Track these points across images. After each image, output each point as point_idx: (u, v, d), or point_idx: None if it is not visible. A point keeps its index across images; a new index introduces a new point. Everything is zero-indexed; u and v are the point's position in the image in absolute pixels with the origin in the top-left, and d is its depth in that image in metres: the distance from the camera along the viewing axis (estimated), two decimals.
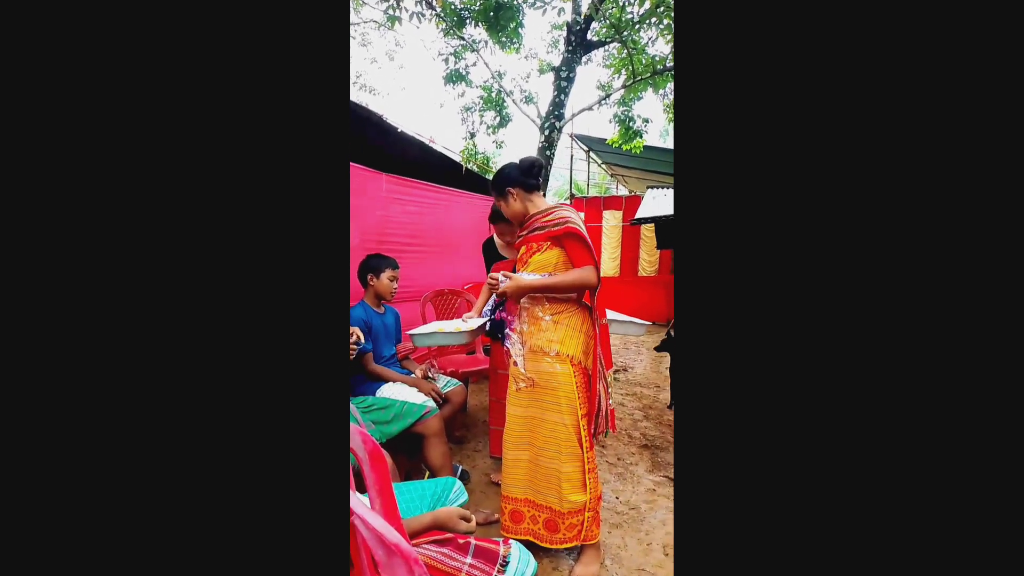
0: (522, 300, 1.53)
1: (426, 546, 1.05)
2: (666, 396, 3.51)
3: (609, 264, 7.08)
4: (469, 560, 1.03)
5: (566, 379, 1.48)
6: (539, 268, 1.50)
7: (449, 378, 2.23)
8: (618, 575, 1.57)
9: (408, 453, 1.91)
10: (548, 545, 1.52)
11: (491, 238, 2.20)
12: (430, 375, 2.11)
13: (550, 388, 1.50)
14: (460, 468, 2.17)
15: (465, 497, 1.29)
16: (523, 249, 1.58)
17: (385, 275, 2.02)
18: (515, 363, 1.55)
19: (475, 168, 5.31)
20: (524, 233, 1.58)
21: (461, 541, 1.07)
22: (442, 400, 2.00)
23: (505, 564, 1.21)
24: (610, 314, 2.01)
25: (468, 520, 1.09)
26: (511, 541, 1.10)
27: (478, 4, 4.91)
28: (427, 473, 1.87)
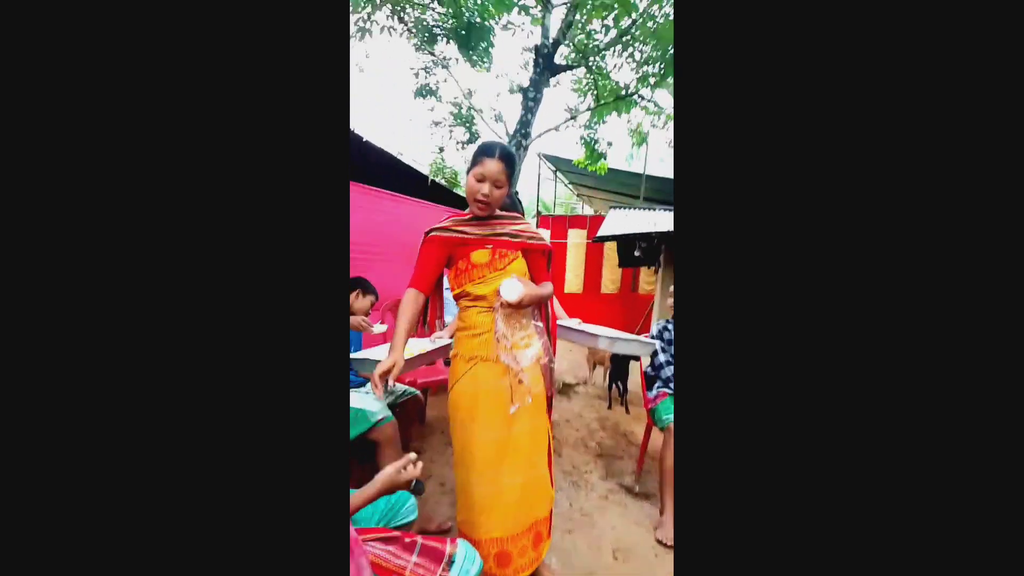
0: (506, 311, 1.39)
1: (372, 544, 1.04)
2: (621, 408, 3.59)
3: (573, 281, 7.21)
4: (414, 559, 1.03)
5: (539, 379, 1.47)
6: (521, 275, 1.42)
7: (407, 387, 2.23)
8: None
9: (359, 459, 1.89)
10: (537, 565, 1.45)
11: None
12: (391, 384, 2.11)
13: (539, 395, 1.46)
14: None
15: (415, 516, 1.29)
16: (483, 252, 1.40)
17: (367, 300, 2.09)
18: (521, 380, 1.39)
19: (443, 182, 5.35)
20: (485, 234, 1.42)
21: (407, 540, 1.07)
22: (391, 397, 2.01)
23: (451, 563, 1.21)
24: (611, 332, 1.95)
25: (407, 468, 1.05)
26: (458, 540, 1.11)
27: (450, 22, 5.02)
28: None
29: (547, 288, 1.44)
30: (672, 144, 6.41)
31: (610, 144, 5.95)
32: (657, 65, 5.05)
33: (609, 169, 6.27)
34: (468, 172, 1.37)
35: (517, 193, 1.98)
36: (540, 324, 1.49)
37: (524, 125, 5.03)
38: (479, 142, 1.47)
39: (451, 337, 2.09)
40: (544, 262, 1.50)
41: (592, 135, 5.87)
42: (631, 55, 5.18)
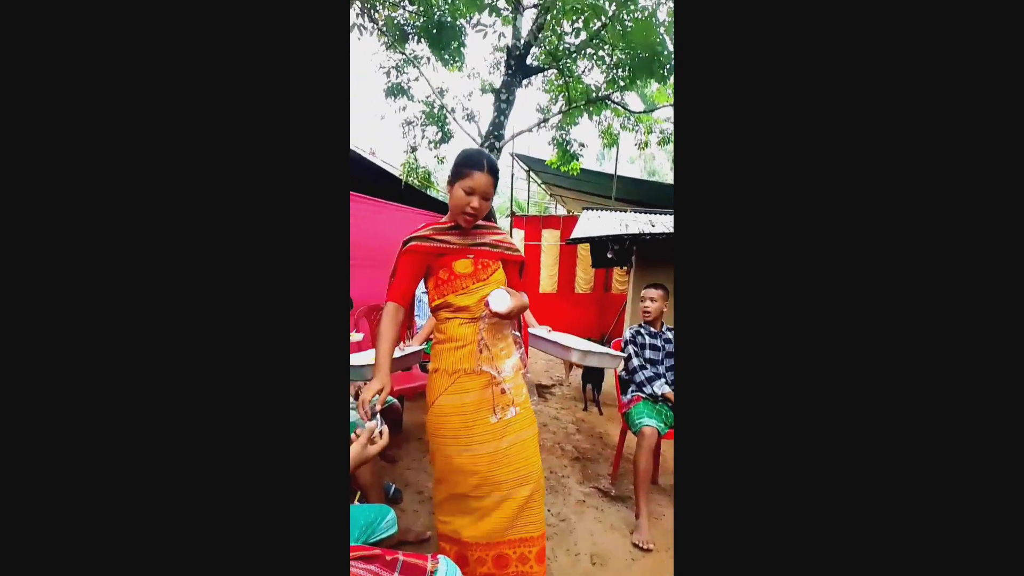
0: (491, 321, 1.37)
1: (353, 563, 1.03)
2: (594, 409, 3.64)
3: (547, 281, 7.26)
4: None
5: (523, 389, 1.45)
6: (501, 285, 1.41)
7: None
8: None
9: None
10: None
11: None
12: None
13: (525, 405, 1.43)
14: (392, 487, 2.14)
15: (395, 530, 1.28)
16: (466, 262, 1.38)
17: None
18: (503, 390, 1.38)
19: (416, 183, 5.29)
20: (467, 243, 1.40)
21: (388, 558, 1.06)
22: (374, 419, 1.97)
23: None
24: (582, 343, 1.91)
25: (374, 441, 1.04)
26: (439, 556, 1.11)
27: (421, 21, 4.96)
28: (358, 493, 1.83)
29: (526, 298, 1.44)
30: (641, 146, 6.52)
31: (583, 145, 6.00)
32: (626, 68, 5.12)
33: (582, 170, 6.33)
34: (452, 183, 1.33)
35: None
36: (517, 333, 1.49)
37: (497, 127, 5.02)
38: (463, 150, 1.40)
39: (421, 344, 2.06)
40: (517, 272, 1.51)
41: (564, 136, 5.91)
42: (601, 58, 5.24)
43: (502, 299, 1.29)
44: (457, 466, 1.36)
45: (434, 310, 1.42)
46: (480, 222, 1.42)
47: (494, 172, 1.33)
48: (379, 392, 1.22)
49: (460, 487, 1.36)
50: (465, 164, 1.31)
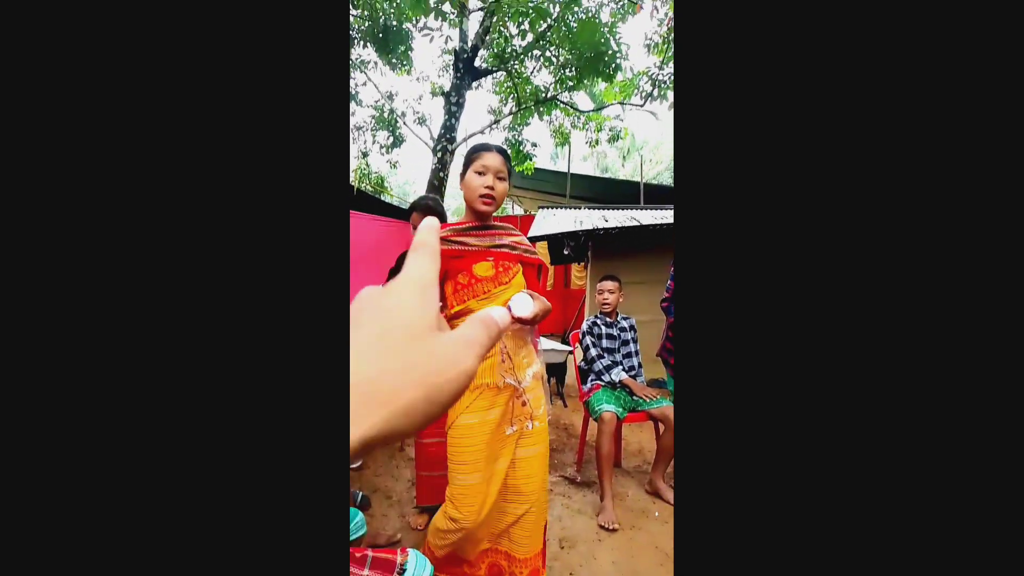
0: (513, 328, 1.28)
1: None
2: (559, 402, 3.73)
3: None
4: (366, 572, 1.05)
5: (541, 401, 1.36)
6: (521, 288, 1.31)
7: None
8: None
9: None
10: None
11: (403, 255, 2.04)
12: None
13: (542, 419, 1.35)
14: (360, 494, 2.13)
15: (364, 531, 1.30)
16: (486, 265, 1.28)
17: None
18: (524, 402, 1.29)
19: (368, 189, 5.23)
20: (487, 245, 1.29)
21: (358, 555, 1.08)
22: None
23: (403, 572, 1.23)
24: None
25: None
26: (408, 550, 1.13)
27: (366, 25, 4.91)
28: None
29: (548, 302, 1.34)
30: (592, 144, 6.69)
31: (535, 145, 6.11)
32: (573, 68, 5.25)
33: (536, 169, 6.43)
34: (463, 175, 1.28)
35: (438, 200, 1.96)
36: (538, 340, 1.42)
37: (449, 129, 5.04)
38: (473, 145, 1.34)
39: None
40: (536, 274, 1.39)
41: (517, 137, 5.99)
42: (548, 59, 5.35)
43: (525, 303, 1.20)
44: (477, 488, 1.24)
45: (451, 318, 1.30)
46: (496, 223, 1.35)
47: (504, 153, 1.27)
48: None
49: (477, 509, 1.24)
50: (472, 151, 1.27)
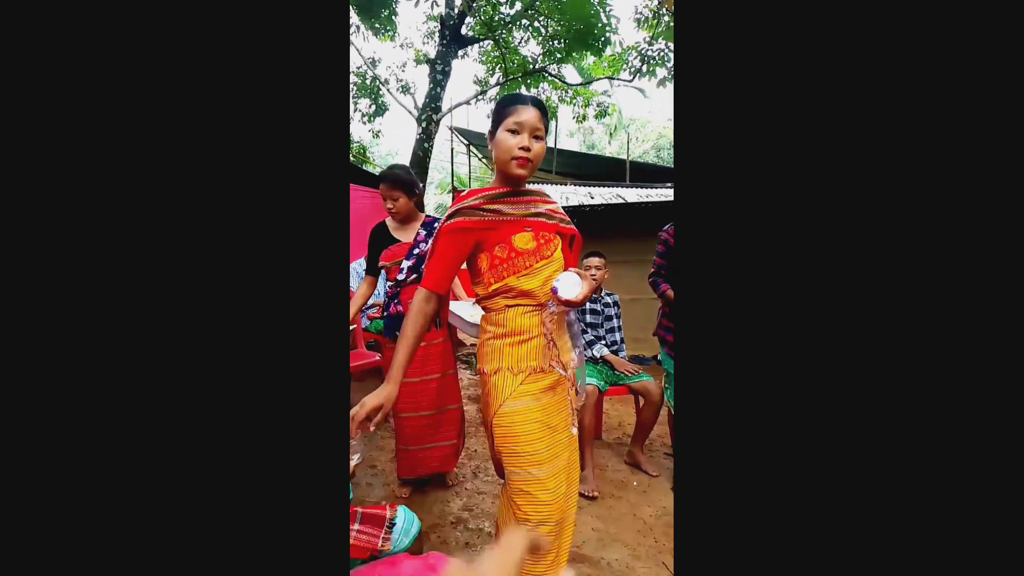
0: (560, 310, 1.11)
1: None
2: None
3: None
4: (357, 527, 1.06)
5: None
6: (561, 265, 1.16)
7: None
8: None
9: None
10: None
11: (382, 224, 1.90)
12: None
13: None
14: None
15: (350, 496, 1.31)
16: (526, 236, 1.10)
17: None
18: (578, 392, 1.18)
19: (350, 158, 5.09)
20: (523, 213, 1.12)
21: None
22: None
23: (392, 525, 1.25)
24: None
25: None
26: (397, 505, 1.15)
27: None
28: None
29: (592, 280, 1.16)
30: (579, 119, 6.62)
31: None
32: (562, 40, 5.14)
33: None
34: (494, 132, 1.09)
35: (408, 170, 1.80)
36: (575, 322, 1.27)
37: (434, 99, 4.91)
38: (503, 96, 1.18)
39: (357, 311, 1.87)
40: (567, 246, 1.22)
41: None
42: (537, 30, 5.22)
43: (573, 284, 1.05)
44: (539, 495, 1.07)
45: (486, 297, 1.14)
46: (529, 187, 1.17)
47: (541, 107, 1.07)
48: (380, 407, 1.02)
49: (541, 517, 1.07)
50: (505, 104, 1.08)
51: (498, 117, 1.08)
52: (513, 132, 1.04)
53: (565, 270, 1.12)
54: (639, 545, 1.66)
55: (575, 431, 1.14)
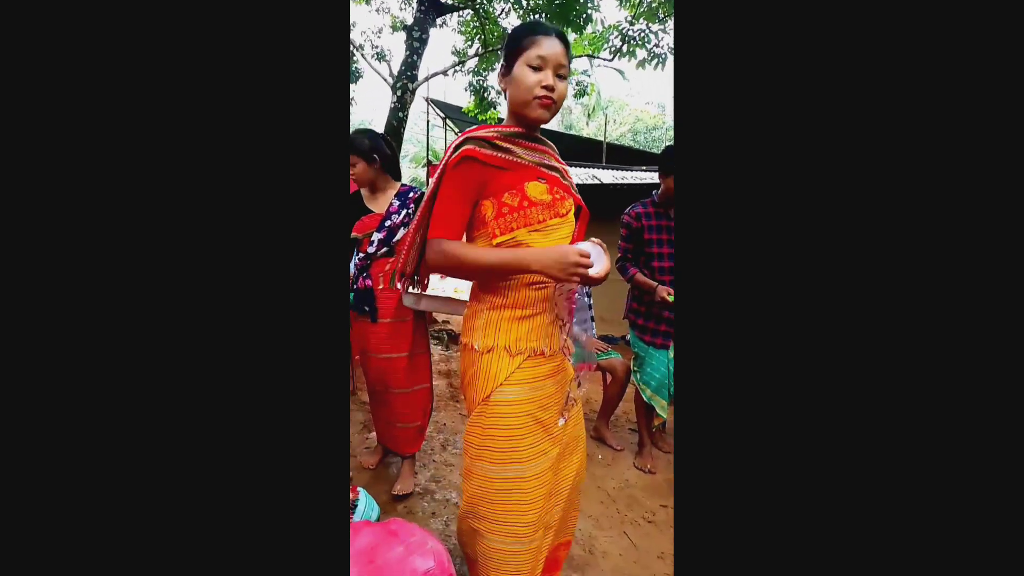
0: (572, 287, 0.96)
1: None
2: None
3: None
4: None
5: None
6: (573, 230, 1.02)
7: None
8: None
9: None
10: None
11: (356, 193, 1.79)
12: None
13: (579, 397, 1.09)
14: None
15: None
16: (540, 186, 0.95)
17: None
18: (579, 383, 1.07)
19: None
20: (536, 161, 0.97)
21: None
22: None
23: (354, 508, 1.26)
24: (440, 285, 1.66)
25: None
26: (358, 488, 1.15)
27: None
28: None
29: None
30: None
31: (499, 92, 5.90)
32: (543, 15, 5.04)
33: (500, 119, 6.25)
34: (510, 66, 0.93)
35: (376, 136, 1.66)
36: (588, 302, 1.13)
37: (410, 67, 4.76)
38: (520, 25, 0.99)
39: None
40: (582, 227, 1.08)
41: (481, 83, 5.76)
42: (518, 2, 5.09)
43: (599, 256, 0.89)
44: (522, 489, 0.94)
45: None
46: (542, 137, 1.02)
47: (565, 41, 0.93)
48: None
49: (522, 524, 0.95)
50: (523, 34, 0.92)
51: (514, 49, 0.92)
52: (535, 68, 0.89)
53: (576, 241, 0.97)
54: (602, 516, 1.71)
55: (562, 422, 1.00)
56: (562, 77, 0.92)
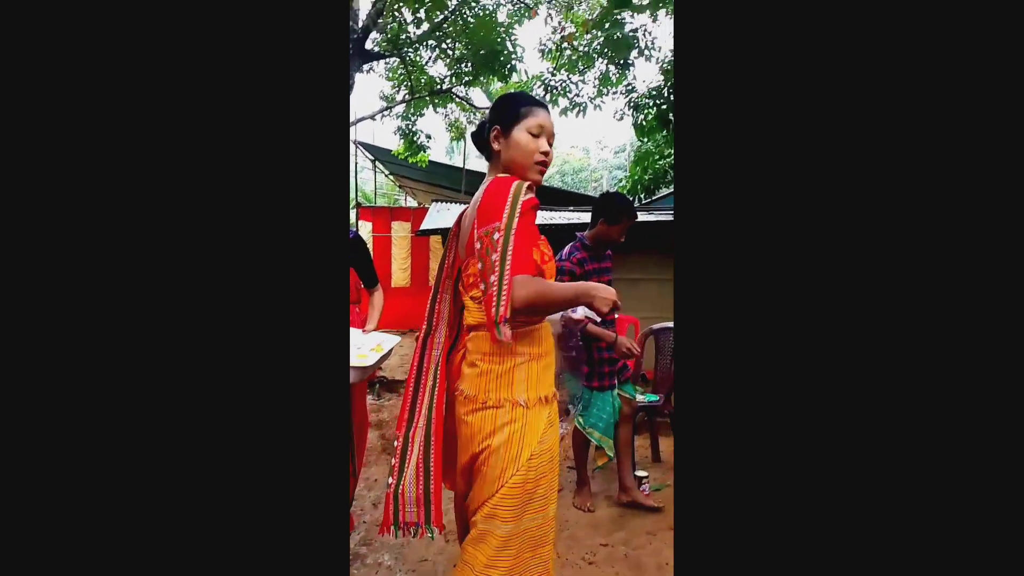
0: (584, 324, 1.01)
1: None
2: None
3: (400, 274, 7.10)
4: None
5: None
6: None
7: None
8: (401, 570, 1.62)
9: None
10: None
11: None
12: None
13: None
14: None
15: None
16: (544, 243, 1.06)
17: None
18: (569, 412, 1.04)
19: None
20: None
21: None
22: None
23: None
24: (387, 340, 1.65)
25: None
26: None
27: None
28: None
29: None
30: None
31: (429, 137, 6.00)
32: (469, 63, 5.26)
33: (430, 162, 6.32)
34: (508, 129, 0.99)
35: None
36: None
37: None
38: (506, 94, 1.11)
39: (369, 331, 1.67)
40: None
41: (410, 127, 5.84)
42: (444, 51, 5.29)
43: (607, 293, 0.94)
44: (546, 534, 0.96)
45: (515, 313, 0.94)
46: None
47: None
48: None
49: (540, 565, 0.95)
50: (521, 103, 1.00)
51: (513, 115, 0.99)
52: (535, 135, 0.98)
53: None
54: None
55: None
56: (551, 145, 1.02)
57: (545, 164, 1.00)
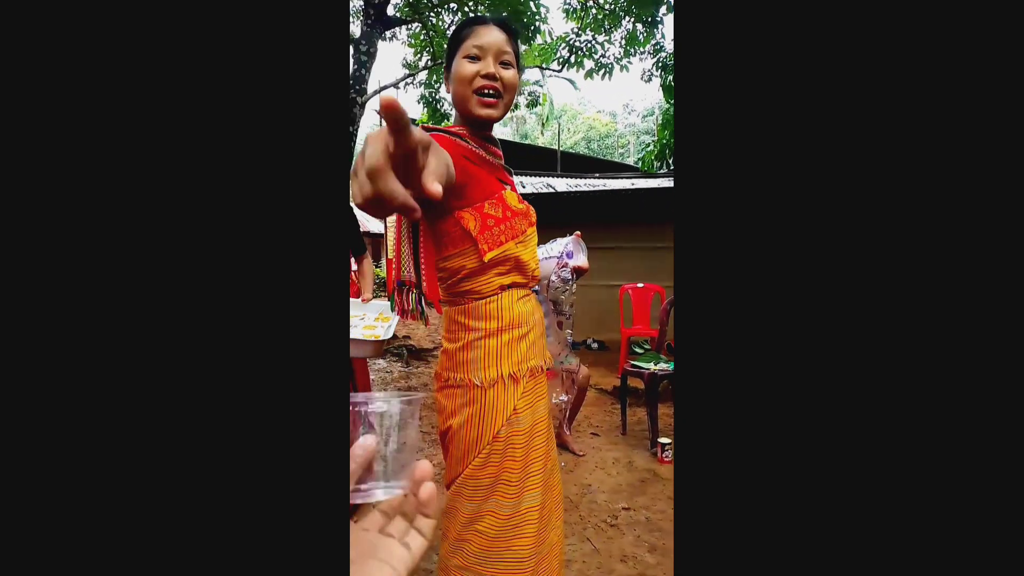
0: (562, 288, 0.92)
1: None
2: None
3: None
4: None
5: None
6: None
7: None
8: None
9: None
10: None
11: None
12: None
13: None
14: None
15: None
16: (513, 195, 0.87)
17: None
18: (568, 394, 0.97)
19: None
20: (500, 163, 0.89)
21: None
22: None
23: None
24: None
25: None
26: None
27: None
28: None
29: None
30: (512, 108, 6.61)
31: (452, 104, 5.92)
32: None
33: None
34: (449, 64, 0.84)
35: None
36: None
37: (358, 80, 4.70)
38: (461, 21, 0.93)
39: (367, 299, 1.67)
40: None
41: (434, 94, 5.76)
42: (465, 14, 5.14)
43: (581, 247, 0.89)
44: (521, 519, 0.82)
45: (471, 275, 0.83)
46: (491, 136, 0.90)
47: (506, 28, 0.83)
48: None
49: (525, 548, 0.82)
50: (459, 28, 0.84)
51: (453, 45, 0.83)
52: (472, 59, 0.79)
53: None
54: (564, 523, 1.72)
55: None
56: (507, 65, 0.81)
57: (491, 89, 0.79)
